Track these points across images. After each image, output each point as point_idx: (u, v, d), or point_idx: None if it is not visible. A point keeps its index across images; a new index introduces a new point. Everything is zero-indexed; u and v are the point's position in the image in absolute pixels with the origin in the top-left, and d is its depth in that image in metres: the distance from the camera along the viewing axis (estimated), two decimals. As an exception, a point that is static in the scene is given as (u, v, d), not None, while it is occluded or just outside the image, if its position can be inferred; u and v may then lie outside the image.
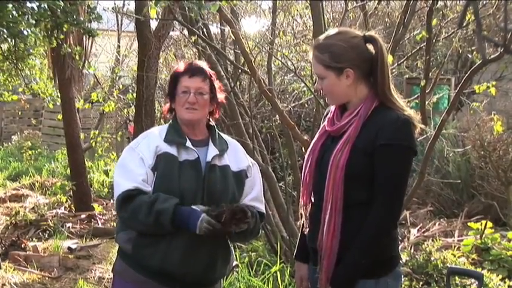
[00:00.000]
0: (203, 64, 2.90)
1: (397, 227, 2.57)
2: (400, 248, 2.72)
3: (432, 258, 5.23)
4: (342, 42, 2.51)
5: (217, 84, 2.89)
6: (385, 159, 2.42)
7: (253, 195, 2.89)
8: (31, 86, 9.31)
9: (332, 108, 2.65)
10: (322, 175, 2.52)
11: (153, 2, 4.09)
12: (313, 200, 2.62)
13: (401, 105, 2.51)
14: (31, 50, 7.82)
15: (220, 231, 2.61)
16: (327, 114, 2.68)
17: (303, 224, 2.73)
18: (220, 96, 2.91)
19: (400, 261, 2.66)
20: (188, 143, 2.78)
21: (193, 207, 2.63)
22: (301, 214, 2.72)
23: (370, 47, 2.52)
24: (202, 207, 2.63)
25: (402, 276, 2.78)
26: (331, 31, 2.62)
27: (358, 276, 2.47)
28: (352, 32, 2.62)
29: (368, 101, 2.50)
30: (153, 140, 2.78)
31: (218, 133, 2.92)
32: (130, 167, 2.73)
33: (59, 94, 8.90)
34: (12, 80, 9.10)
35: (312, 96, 5.99)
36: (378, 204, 2.43)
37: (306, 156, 2.67)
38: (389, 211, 2.45)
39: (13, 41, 6.97)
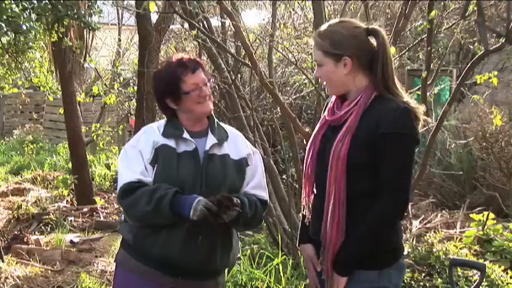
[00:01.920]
0: (190, 56, 2.90)
1: (402, 218, 2.56)
2: (402, 239, 2.71)
3: (434, 250, 5.24)
4: (344, 30, 2.52)
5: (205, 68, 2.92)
6: (387, 149, 2.41)
7: (255, 183, 2.89)
8: (31, 79, 9.29)
9: (332, 98, 2.65)
10: (324, 166, 2.51)
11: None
12: (315, 192, 2.62)
13: (404, 96, 2.50)
14: (31, 44, 7.81)
15: (214, 219, 2.60)
16: (327, 105, 2.68)
17: (304, 215, 2.73)
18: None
19: (403, 253, 2.65)
20: (186, 135, 2.79)
21: (193, 195, 2.65)
22: (303, 206, 2.72)
23: (373, 40, 2.52)
24: (201, 197, 2.64)
25: (405, 267, 2.77)
26: (335, 20, 2.64)
27: (357, 263, 2.48)
28: (355, 22, 2.63)
29: (368, 91, 2.50)
30: (151, 134, 2.81)
31: (217, 122, 2.93)
32: (132, 161, 2.76)
33: (59, 87, 8.89)
34: (12, 73, 9.08)
35: (313, 88, 5.98)
36: (384, 195, 2.42)
37: (307, 147, 2.67)
38: (396, 203, 2.44)
39: (13, 34, 6.96)
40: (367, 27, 2.55)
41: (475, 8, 4.36)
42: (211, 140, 2.83)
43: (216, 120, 2.93)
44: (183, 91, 2.77)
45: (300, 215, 2.81)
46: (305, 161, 2.67)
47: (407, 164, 2.46)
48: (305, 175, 2.67)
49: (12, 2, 5.59)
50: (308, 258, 2.75)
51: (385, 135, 2.41)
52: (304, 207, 2.72)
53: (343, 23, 2.58)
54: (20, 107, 15.47)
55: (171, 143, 2.77)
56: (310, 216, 2.66)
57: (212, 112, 2.92)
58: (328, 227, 2.50)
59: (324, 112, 2.70)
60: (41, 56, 9.33)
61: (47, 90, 9.48)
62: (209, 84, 2.85)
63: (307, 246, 2.74)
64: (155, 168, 2.73)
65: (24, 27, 5.85)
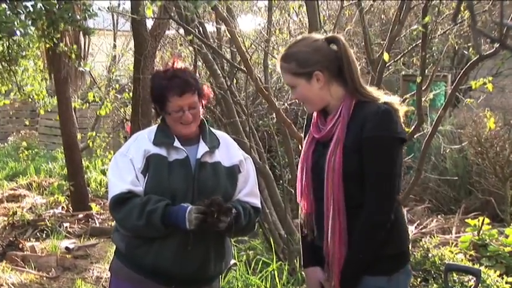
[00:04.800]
0: (186, 72, 2.82)
1: (389, 218, 2.47)
2: (409, 243, 2.69)
3: (430, 255, 5.24)
4: (305, 47, 2.54)
5: (204, 87, 2.87)
6: (371, 152, 2.43)
7: (247, 190, 2.89)
8: (23, 90, 9.20)
9: (314, 114, 2.65)
10: (320, 181, 2.51)
11: (149, 1, 4.07)
12: (317, 206, 2.60)
13: (377, 96, 2.52)
14: (24, 52, 7.78)
15: (211, 225, 2.60)
16: (310, 119, 2.69)
17: (305, 234, 2.69)
18: (207, 91, 2.89)
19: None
20: (176, 143, 2.78)
21: (182, 204, 2.65)
22: (303, 224, 2.68)
23: (334, 47, 2.54)
24: (190, 204, 2.64)
25: (411, 273, 2.76)
26: (293, 41, 2.68)
27: (360, 272, 2.47)
28: (313, 36, 2.67)
29: (347, 100, 2.51)
30: (142, 143, 2.79)
31: (209, 129, 2.91)
32: (122, 171, 2.75)
33: (50, 100, 8.88)
34: (6, 84, 9.01)
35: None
36: (367, 199, 2.43)
37: (300, 166, 2.66)
38: (377, 205, 2.44)
39: (7, 42, 6.94)
40: (326, 37, 2.58)
41: (469, 13, 4.38)
42: (202, 147, 2.81)
43: (208, 126, 2.91)
44: (166, 110, 2.76)
45: (300, 235, 2.78)
46: (299, 179, 2.66)
47: (392, 167, 2.45)
48: (301, 193, 2.65)
49: (7, 8, 5.57)
50: (317, 283, 2.67)
51: (368, 139, 2.42)
52: (303, 225, 2.69)
53: (302, 40, 2.61)
54: (11, 113, 15.42)
55: (162, 151, 2.76)
56: (314, 231, 2.63)
57: (205, 118, 2.92)
58: (330, 242, 2.49)
59: (306, 127, 2.72)
60: (34, 64, 9.28)
61: (39, 101, 9.42)
62: (200, 106, 2.80)
63: (316, 269, 2.68)
64: (146, 177, 2.72)
65: (18, 33, 5.83)
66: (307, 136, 2.69)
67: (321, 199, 2.52)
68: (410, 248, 2.63)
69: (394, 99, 2.52)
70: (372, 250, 2.46)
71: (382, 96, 2.52)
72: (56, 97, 8.80)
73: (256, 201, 2.92)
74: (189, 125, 2.78)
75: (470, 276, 4.68)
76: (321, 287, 2.66)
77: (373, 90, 2.54)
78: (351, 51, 2.54)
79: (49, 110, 9.48)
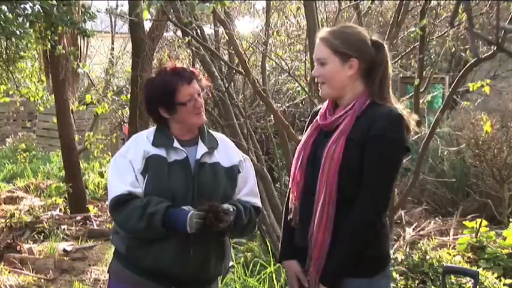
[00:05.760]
0: (184, 65, 2.88)
1: (381, 219, 2.50)
2: (395, 247, 2.70)
3: (428, 257, 5.23)
4: (355, 34, 2.57)
5: (201, 78, 2.89)
6: (374, 150, 2.43)
7: (247, 190, 2.90)
8: (20, 91, 9.18)
9: (324, 105, 2.65)
10: (314, 171, 2.51)
11: (146, 3, 4.07)
12: (304, 197, 2.60)
13: (397, 106, 2.52)
14: (22, 53, 7.77)
15: (212, 227, 2.61)
16: (314, 116, 2.69)
17: (287, 222, 2.70)
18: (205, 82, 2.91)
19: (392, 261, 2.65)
20: (176, 143, 2.79)
21: (183, 207, 2.65)
22: (290, 210, 2.68)
23: (374, 51, 2.55)
24: (190, 207, 2.64)
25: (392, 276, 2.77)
26: (344, 24, 2.79)
27: (345, 271, 2.46)
28: (363, 29, 2.68)
29: (363, 97, 2.52)
30: (141, 144, 2.80)
31: (207, 130, 2.92)
32: (122, 172, 2.75)
33: (49, 97, 8.86)
34: (3, 83, 8.99)
35: (306, 96, 5.99)
36: (362, 196, 2.43)
37: (297, 152, 2.65)
38: (373, 204, 2.44)
39: (5, 42, 6.94)
40: (371, 38, 2.59)
41: (466, 16, 4.38)
42: (202, 148, 2.82)
43: (206, 128, 2.92)
44: (179, 102, 2.74)
45: (282, 224, 2.78)
46: (293, 166, 2.66)
47: (390, 167, 2.47)
48: (293, 181, 2.65)
49: (6, 9, 5.58)
50: (293, 276, 2.69)
51: (374, 138, 2.42)
52: (290, 211, 2.68)
53: (355, 27, 2.65)
54: (10, 113, 15.42)
55: (162, 152, 2.76)
56: (297, 221, 2.63)
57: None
58: (315, 227, 2.49)
59: (311, 119, 2.72)
60: (32, 65, 9.27)
61: (36, 100, 9.41)
62: (202, 94, 2.84)
63: (292, 262, 2.70)
64: (146, 178, 2.72)
65: (18, 32, 5.83)
66: (310, 126, 2.69)
67: (311, 188, 2.52)
68: (390, 252, 2.61)
69: (409, 115, 2.51)
70: (358, 249, 2.45)
71: (402, 109, 2.52)
72: (53, 98, 8.79)
73: (257, 201, 2.93)
74: (201, 113, 2.80)
75: (468, 278, 4.68)
76: (298, 280, 2.67)
77: (395, 101, 2.55)
78: (389, 61, 2.59)
79: (48, 106, 9.45)
